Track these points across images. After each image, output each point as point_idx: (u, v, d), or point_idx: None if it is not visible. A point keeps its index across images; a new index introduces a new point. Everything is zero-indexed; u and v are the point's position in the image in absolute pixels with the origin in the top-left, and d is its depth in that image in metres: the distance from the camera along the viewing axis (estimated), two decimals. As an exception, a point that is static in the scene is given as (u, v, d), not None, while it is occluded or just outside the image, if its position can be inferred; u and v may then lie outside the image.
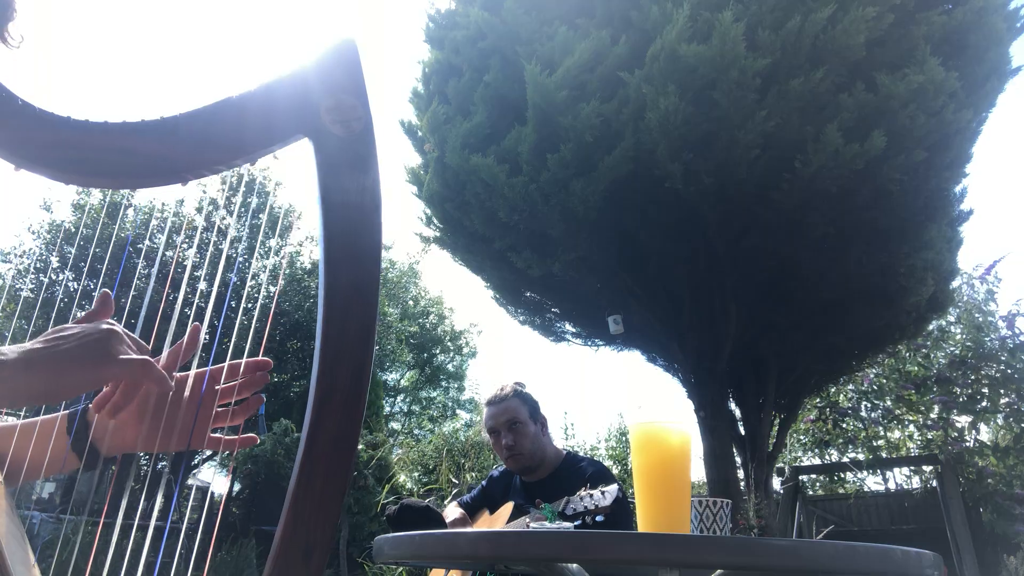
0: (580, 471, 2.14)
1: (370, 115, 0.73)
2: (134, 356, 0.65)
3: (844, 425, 7.30)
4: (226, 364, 0.80)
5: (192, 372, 0.80)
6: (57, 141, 0.65)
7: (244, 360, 0.80)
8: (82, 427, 0.77)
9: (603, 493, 1.58)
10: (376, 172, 0.72)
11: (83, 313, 0.69)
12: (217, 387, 0.80)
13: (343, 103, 0.72)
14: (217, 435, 0.80)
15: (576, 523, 1.62)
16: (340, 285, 0.69)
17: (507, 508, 2.14)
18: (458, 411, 18.84)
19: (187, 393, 0.78)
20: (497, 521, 2.14)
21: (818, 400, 7.21)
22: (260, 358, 0.81)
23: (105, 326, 0.65)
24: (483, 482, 2.45)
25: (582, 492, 1.64)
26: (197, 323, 0.77)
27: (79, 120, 0.65)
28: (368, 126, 0.73)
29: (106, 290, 0.70)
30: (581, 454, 2.42)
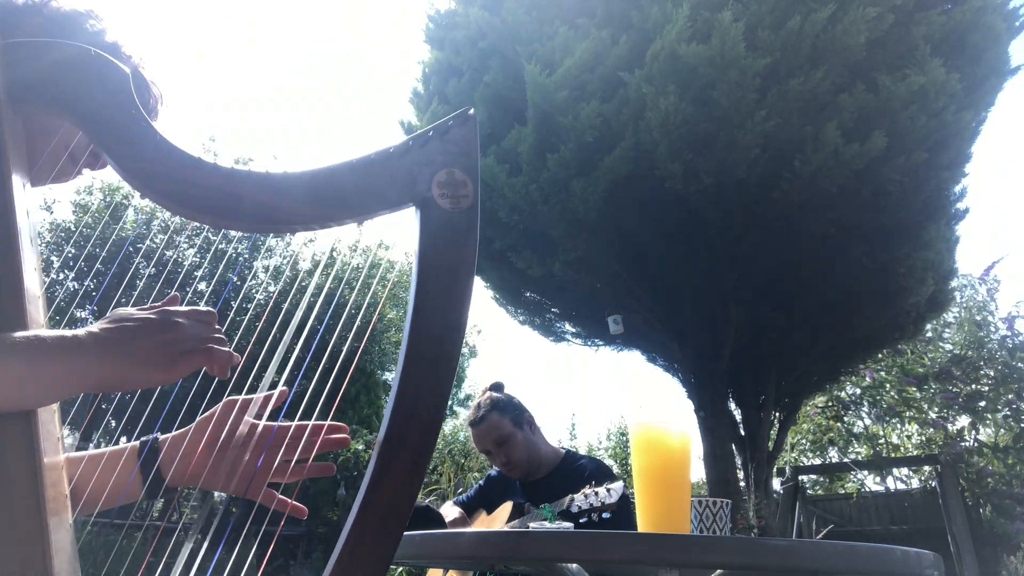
0: (580, 469, 2.11)
1: (478, 191, 0.75)
2: (197, 351, 0.65)
3: (846, 420, 7.30)
4: (299, 423, 0.81)
5: (272, 424, 0.81)
6: (187, 179, 0.68)
7: (320, 423, 0.81)
8: (151, 455, 0.79)
9: (608, 490, 1.57)
10: (474, 247, 0.74)
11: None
12: (285, 442, 0.81)
13: (455, 179, 0.74)
14: (271, 490, 0.81)
15: (582, 520, 1.61)
16: (421, 355, 0.70)
17: (505, 508, 2.13)
18: (458, 410, 18.83)
19: (254, 441, 0.80)
20: (495, 521, 2.13)
21: (820, 396, 7.21)
22: (336, 423, 0.82)
23: (169, 318, 0.65)
24: (480, 482, 2.42)
25: (587, 490, 1.63)
26: (286, 388, 0.80)
27: (210, 164, 0.69)
28: (474, 203, 0.75)
29: (176, 294, 0.72)
30: (579, 452, 2.38)
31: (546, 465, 2.19)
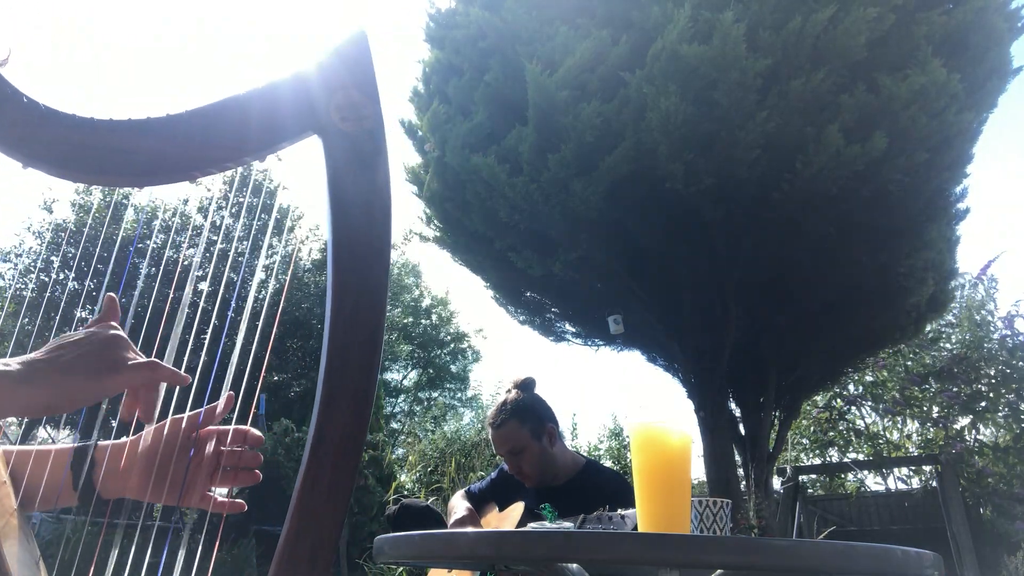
0: (600, 484, 2.04)
1: (380, 111, 0.72)
2: (140, 360, 0.63)
3: (848, 419, 7.31)
4: (232, 428, 0.80)
5: (209, 428, 0.80)
6: (62, 138, 0.64)
7: (247, 429, 0.80)
8: (82, 463, 0.77)
9: (623, 518, 1.54)
10: (386, 170, 0.71)
11: (90, 317, 0.68)
12: (223, 448, 0.80)
13: (353, 99, 0.71)
14: (210, 494, 0.80)
15: None
16: (348, 286, 0.68)
17: (518, 509, 2.07)
18: (462, 410, 18.84)
19: (192, 451, 0.79)
20: (506, 521, 2.09)
21: (820, 396, 7.21)
22: (255, 433, 0.80)
23: (108, 332, 0.64)
24: (492, 473, 2.33)
25: (600, 513, 1.60)
26: (232, 392, 0.77)
27: (84, 117, 0.65)
28: (378, 123, 0.71)
29: (111, 294, 0.69)
30: (602, 465, 2.27)
31: (563, 474, 2.12)
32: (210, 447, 0.79)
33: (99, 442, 0.79)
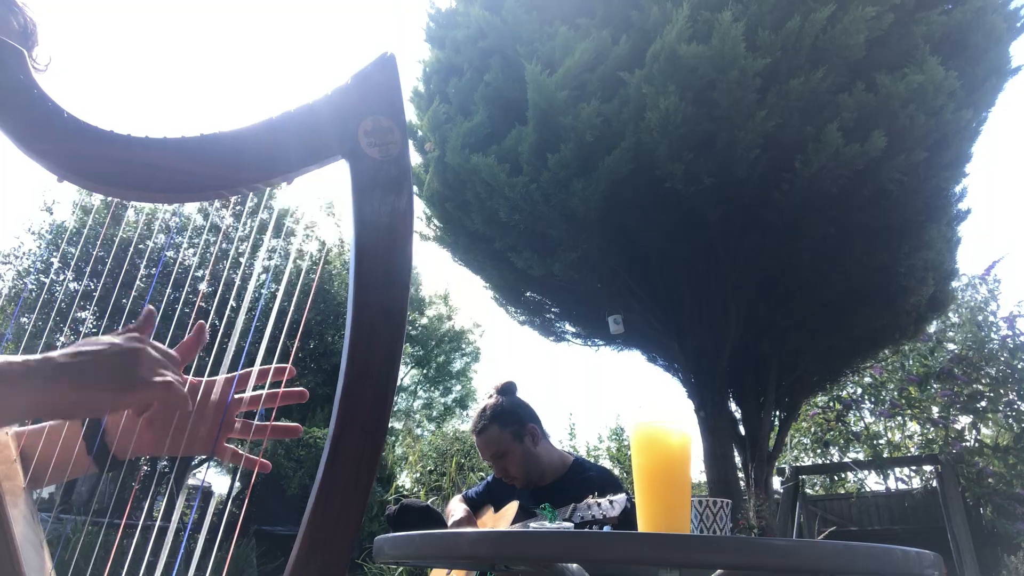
0: (588, 480, 2.04)
1: (406, 137, 0.74)
2: (156, 380, 0.62)
3: (847, 420, 7.31)
4: (252, 369, 0.79)
5: (218, 378, 0.79)
6: (100, 155, 0.66)
7: (268, 366, 0.80)
8: (95, 429, 0.77)
9: (611, 503, 1.54)
10: (410, 194, 0.73)
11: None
12: (241, 395, 0.79)
13: (380, 125, 0.73)
14: (232, 446, 0.79)
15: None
16: (369, 307, 0.69)
17: (512, 508, 2.10)
18: (459, 411, 18.83)
19: (208, 399, 0.78)
20: (501, 521, 2.11)
21: (820, 396, 7.21)
22: (282, 366, 0.80)
23: (133, 344, 0.63)
24: (488, 478, 2.36)
25: (590, 500, 1.60)
26: (202, 321, 0.76)
27: (121, 134, 0.67)
28: (403, 149, 0.73)
29: (150, 307, 0.69)
30: (590, 461, 2.31)
31: (551, 473, 2.13)
32: (243, 396, 0.78)
33: None
